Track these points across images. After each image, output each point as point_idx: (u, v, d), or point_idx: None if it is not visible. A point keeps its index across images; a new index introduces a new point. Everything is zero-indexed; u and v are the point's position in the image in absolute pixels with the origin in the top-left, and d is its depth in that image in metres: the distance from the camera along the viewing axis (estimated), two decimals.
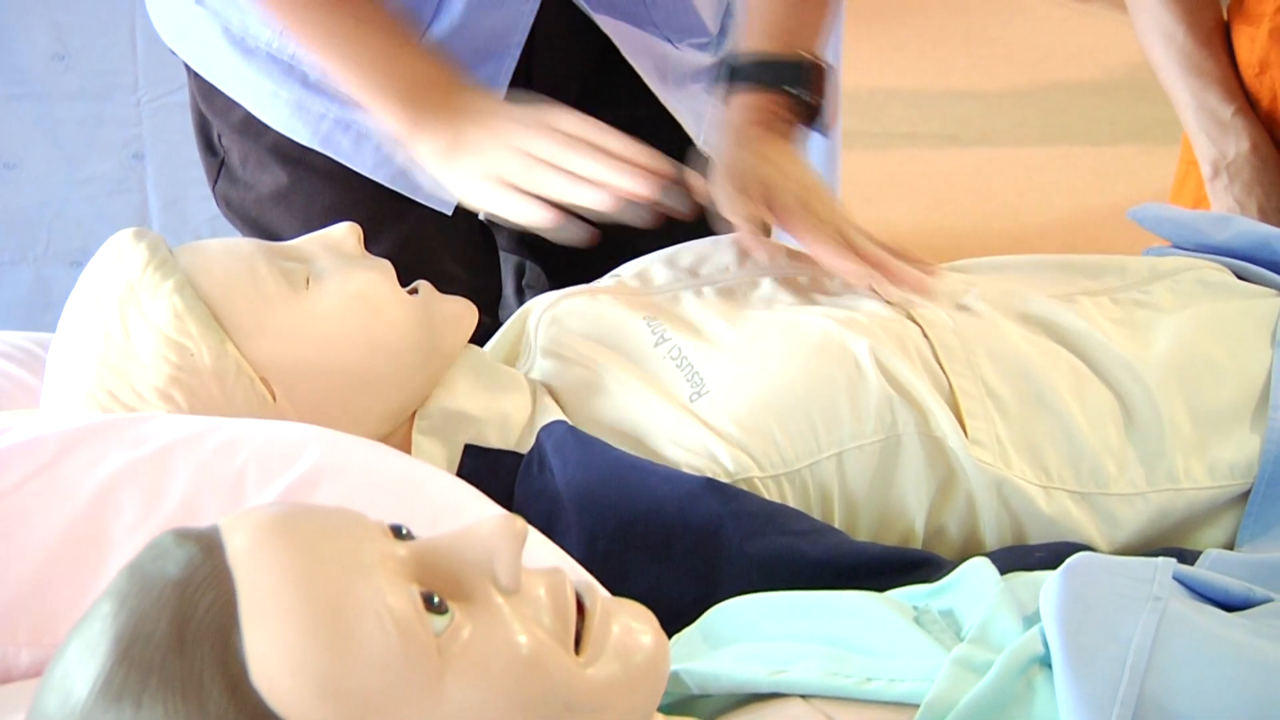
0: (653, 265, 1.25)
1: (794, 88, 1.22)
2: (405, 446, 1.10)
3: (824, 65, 1.25)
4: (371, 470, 0.97)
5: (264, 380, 1.05)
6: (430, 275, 1.15)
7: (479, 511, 0.95)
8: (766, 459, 1.04)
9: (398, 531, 0.72)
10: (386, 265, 1.13)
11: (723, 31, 1.46)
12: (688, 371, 1.10)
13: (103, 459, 0.95)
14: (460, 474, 1.06)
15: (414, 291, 1.12)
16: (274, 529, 0.68)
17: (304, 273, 1.08)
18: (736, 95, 1.24)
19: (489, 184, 1.11)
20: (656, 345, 1.13)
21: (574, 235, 1.09)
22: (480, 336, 1.20)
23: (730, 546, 0.98)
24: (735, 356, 1.10)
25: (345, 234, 1.12)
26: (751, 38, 1.25)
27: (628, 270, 1.25)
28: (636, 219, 1.10)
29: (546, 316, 1.19)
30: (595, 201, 1.08)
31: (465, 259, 1.19)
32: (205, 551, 0.67)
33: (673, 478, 1.02)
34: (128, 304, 1.04)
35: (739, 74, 1.25)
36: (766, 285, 1.19)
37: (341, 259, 1.11)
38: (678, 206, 1.08)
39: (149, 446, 0.96)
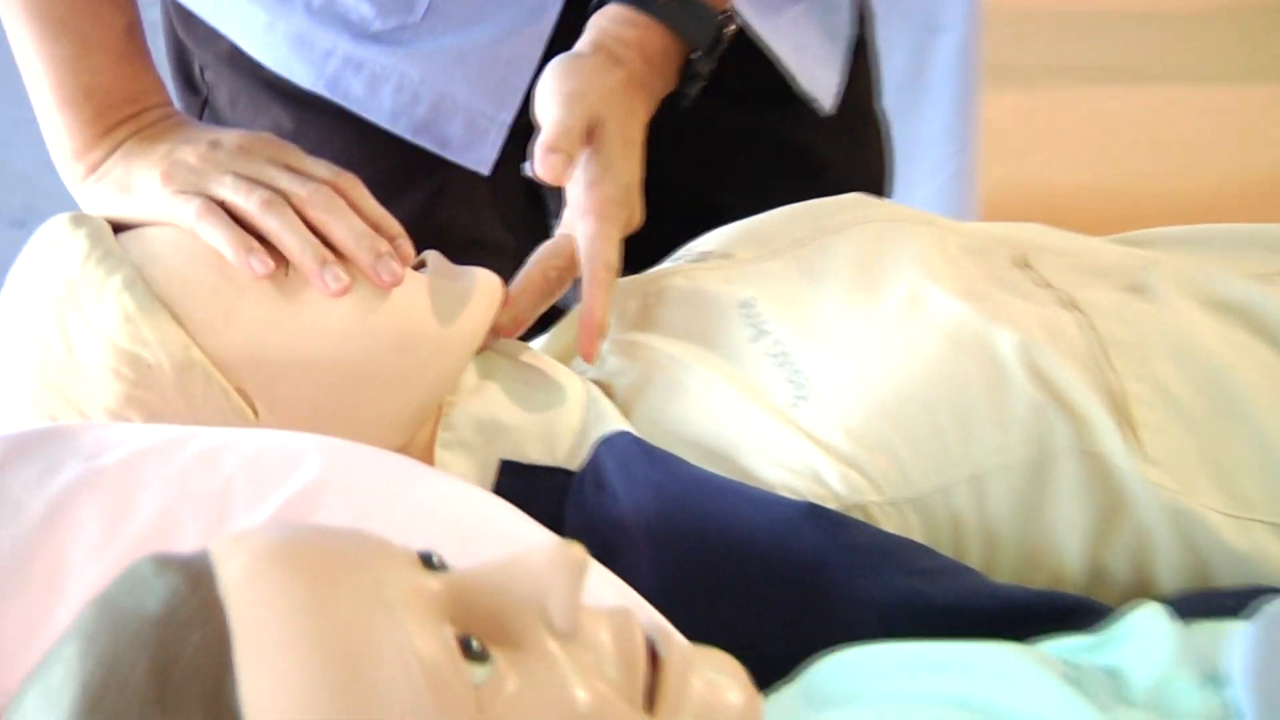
0: (744, 234, 1.26)
1: (672, 21, 1.21)
2: (426, 463, 1.10)
3: (726, 19, 1.24)
4: (386, 485, 0.98)
5: (240, 391, 1.07)
6: (464, 242, 1.16)
7: (525, 537, 0.96)
8: (885, 480, 1.05)
9: (428, 560, 0.73)
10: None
11: None
12: (789, 370, 1.11)
13: (56, 470, 0.96)
14: None
15: (421, 265, 1.13)
16: (276, 556, 0.70)
17: None
18: (606, 6, 1.23)
19: (185, 200, 1.10)
20: (755, 340, 1.14)
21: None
22: (538, 322, 1.21)
23: (837, 588, 0.99)
24: (847, 349, 1.11)
25: None
26: None
27: (712, 242, 1.27)
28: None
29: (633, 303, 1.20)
30: (305, 261, 1.07)
31: (507, 222, 1.20)
32: (192, 582, 0.69)
33: (766, 502, 1.03)
34: (67, 307, 1.06)
35: None
36: (889, 257, 1.19)
37: None
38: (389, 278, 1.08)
39: (112, 455, 0.97)
